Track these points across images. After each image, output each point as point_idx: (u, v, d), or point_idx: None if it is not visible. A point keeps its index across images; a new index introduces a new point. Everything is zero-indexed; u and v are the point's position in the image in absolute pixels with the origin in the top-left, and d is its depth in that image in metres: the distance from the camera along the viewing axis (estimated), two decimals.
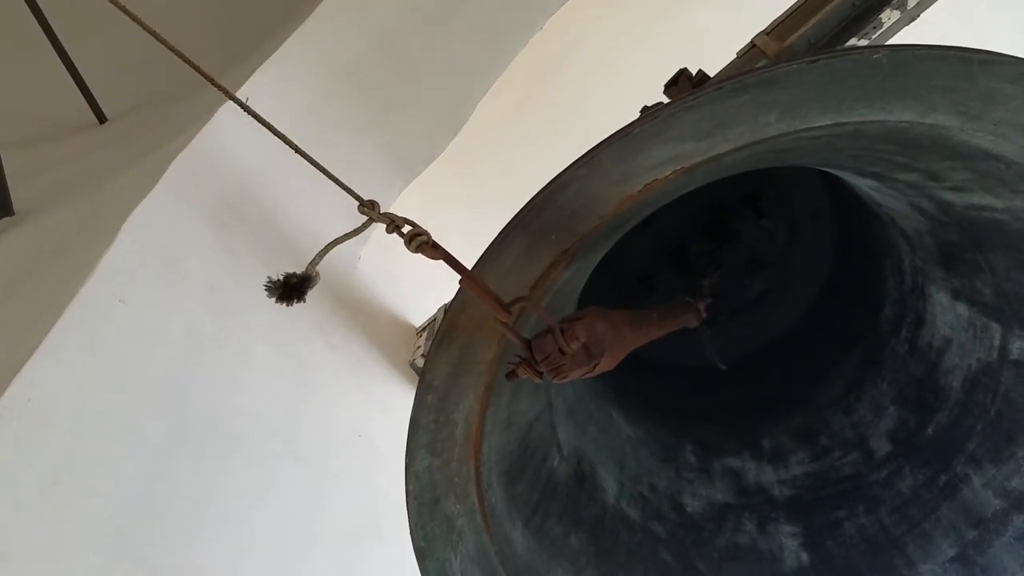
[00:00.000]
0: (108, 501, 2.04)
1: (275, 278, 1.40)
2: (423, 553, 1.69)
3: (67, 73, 3.35)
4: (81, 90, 3.43)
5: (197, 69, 1.39)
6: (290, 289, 1.40)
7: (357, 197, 1.34)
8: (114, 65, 3.72)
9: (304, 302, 1.42)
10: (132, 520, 2.08)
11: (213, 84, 1.39)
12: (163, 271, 2.41)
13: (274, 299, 1.41)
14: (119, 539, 2.03)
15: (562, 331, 1.42)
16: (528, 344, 1.44)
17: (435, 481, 1.69)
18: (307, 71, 3.06)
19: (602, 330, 1.58)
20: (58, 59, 3.32)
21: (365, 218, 1.36)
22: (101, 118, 3.55)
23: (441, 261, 1.35)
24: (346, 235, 1.42)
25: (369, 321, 3.53)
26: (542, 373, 1.44)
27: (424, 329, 3.80)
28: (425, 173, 3.54)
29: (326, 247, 1.41)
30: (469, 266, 1.47)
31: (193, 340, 2.45)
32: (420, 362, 3.58)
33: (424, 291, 3.86)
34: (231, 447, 2.50)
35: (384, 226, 1.34)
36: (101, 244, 2.24)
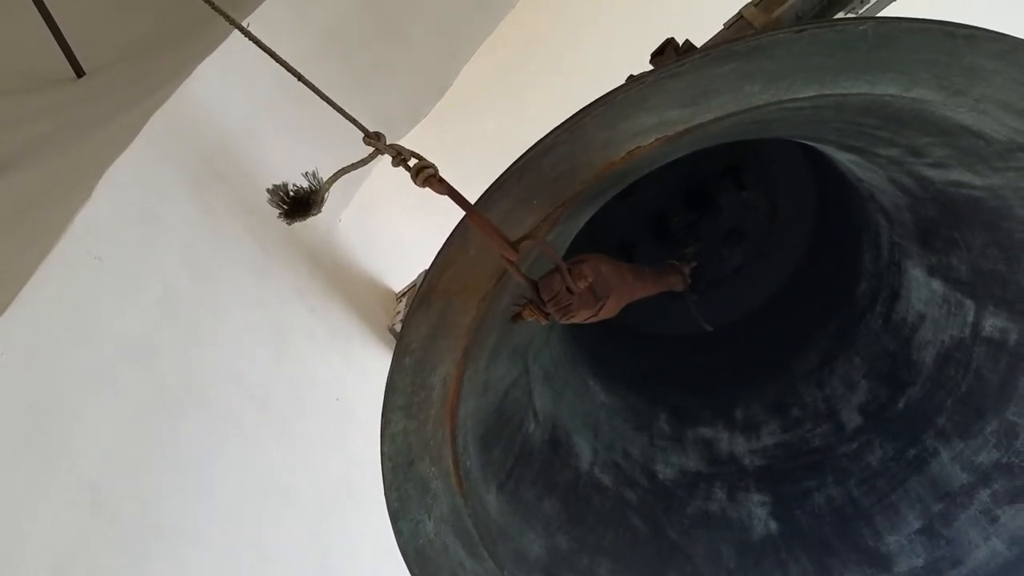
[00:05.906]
0: (82, 458, 2.03)
1: (281, 190, 1.31)
2: (397, 514, 1.70)
3: (44, 25, 3.28)
4: (59, 43, 3.36)
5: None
6: (298, 204, 1.31)
7: (363, 129, 1.31)
8: (93, 18, 3.65)
9: (320, 212, 1.32)
10: (107, 477, 2.08)
11: (221, 14, 1.35)
12: (140, 228, 2.39)
13: (279, 216, 1.32)
14: (94, 496, 2.02)
15: (569, 270, 1.41)
16: (535, 285, 1.43)
17: (410, 443, 1.69)
18: (290, 29, 3.02)
19: (607, 272, 1.58)
20: (35, 10, 3.24)
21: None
22: (79, 72, 3.48)
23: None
24: (353, 164, 1.36)
25: (349, 285, 3.52)
26: (549, 314, 1.43)
27: (404, 294, 3.79)
28: (409, 135, 3.50)
29: (334, 175, 1.34)
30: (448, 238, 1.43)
31: (170, 298, 2.43)
32: (399, 327, 3.57)
33: (405, 256, 3.84)
34: (208, 406, 2.50)
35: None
36: (77, 200, 2.21)
